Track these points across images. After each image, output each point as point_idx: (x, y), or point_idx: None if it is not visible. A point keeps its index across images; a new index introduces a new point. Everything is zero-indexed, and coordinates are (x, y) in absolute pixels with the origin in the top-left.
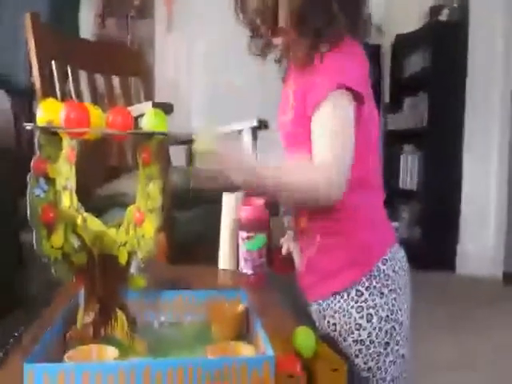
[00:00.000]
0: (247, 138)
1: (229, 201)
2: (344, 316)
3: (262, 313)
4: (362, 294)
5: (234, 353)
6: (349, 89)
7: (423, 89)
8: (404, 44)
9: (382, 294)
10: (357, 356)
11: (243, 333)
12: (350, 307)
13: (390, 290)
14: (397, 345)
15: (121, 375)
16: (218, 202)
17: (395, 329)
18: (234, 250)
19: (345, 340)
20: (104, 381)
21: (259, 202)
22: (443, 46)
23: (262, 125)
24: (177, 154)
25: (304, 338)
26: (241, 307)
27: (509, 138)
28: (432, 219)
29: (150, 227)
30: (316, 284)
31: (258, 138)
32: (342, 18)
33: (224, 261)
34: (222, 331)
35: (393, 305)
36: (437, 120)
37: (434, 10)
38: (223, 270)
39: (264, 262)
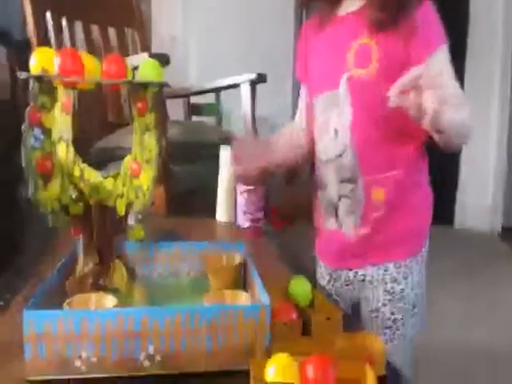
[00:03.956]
0: (245, 91)
1: (226, 154)
2: (379, 269)
3: (258, 264)
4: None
5: (230, 301)
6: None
7: None
8: None
9: (417, 260)
10: (385, 305)
11: (240, 284)
12: (387, 262)
13: (422, 256)
14: (418, 311)
15: (119, 322)
16: (216, 156)
17: (419, 296)
18: (231, 202)
19: (375, 288)
20: (102, 327)
21: None
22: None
23: (261, 78)
24: (174, 108)
25: (299, 286)
26: (238, 258)
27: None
28: (431, 172)
29: (147, 178)
30: (367, 255)
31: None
32: None
33: (222, 213)
34: (219, 282)
35: (422, 274)
36: None
37: None
38: (221, 222)
39: (262, 215)
